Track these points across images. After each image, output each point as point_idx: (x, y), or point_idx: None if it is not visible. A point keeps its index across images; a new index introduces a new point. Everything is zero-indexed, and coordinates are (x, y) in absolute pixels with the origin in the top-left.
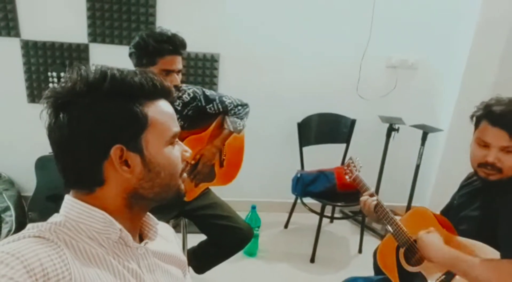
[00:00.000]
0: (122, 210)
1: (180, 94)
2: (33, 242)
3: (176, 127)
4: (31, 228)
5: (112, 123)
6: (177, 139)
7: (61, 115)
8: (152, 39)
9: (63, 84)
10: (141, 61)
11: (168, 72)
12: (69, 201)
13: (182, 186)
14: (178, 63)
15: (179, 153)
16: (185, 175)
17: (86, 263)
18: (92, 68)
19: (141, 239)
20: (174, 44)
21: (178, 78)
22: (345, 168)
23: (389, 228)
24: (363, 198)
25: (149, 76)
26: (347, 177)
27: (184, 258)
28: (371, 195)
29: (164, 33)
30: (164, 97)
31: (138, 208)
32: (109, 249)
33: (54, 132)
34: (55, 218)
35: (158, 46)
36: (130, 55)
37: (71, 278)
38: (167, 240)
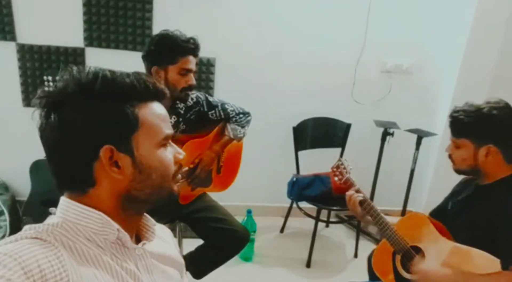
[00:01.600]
0: (117, 212)
1: (186, 98)
2: (31, 243)
3: (168, 130)
4: (28, 229)
5: (102, 124)
6: (170, 141)
7: (52, 116)
8: (177, 38)
9: (55, 85)
10: (161, 59)
11: (186, 71)
12: (65, 202)
13: (176, 188)
14: (195, 64)
15: (171, 155)
16: (180, 176)
17: (83, 264)
18: (82, 69)
19: (138, 240)
20: (194, 45)
21: (193, 78)
22: (335, 169)
23: (369, 218)
24: (349, 193)
25: (142, 77)
26: (336, 178)
27: (181, 260)
28: (357, 191)
29: (183, 34)
30: (157, 99)
31: (133, 211)
32: (106, 249)
33: (46, 133)
34: (52, 219)
35: (183, 45)
36: (147, 54)
37: (69, 279)
38: (165, 241)
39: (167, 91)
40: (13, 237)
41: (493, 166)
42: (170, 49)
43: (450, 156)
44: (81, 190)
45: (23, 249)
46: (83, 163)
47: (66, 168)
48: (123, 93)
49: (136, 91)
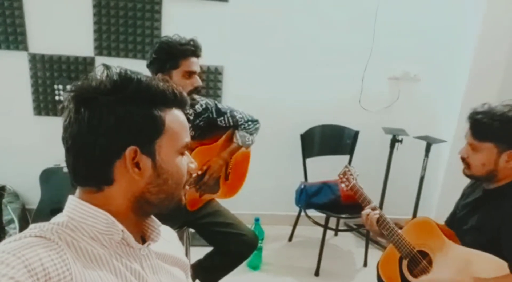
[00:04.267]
0: (126, 213)
1: (194, 104)
2: (34, 242)
3: (187, 138)
4: (33, 228)
5: (132, 125)
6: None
7: (82, 110)
8: (175, 43)
9: (86, 81)
10: (164, 66)
11: (190, 73)
12: (73, 201)
13: (183, 198)
14: (198, 65)
15: (186, 163)
16: (187, 187)
17: (87, 264)
18: (117, 70)
19: (144, 241)
20: (195, 46)
21: (199, 80)
22: (341, 176)
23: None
24: (365, 212)
25: (171, 84)
26: (343, 185)
27: (186, 260)
28: (373, 209)
29: (182, 38)
30: (180, 107)
31: (142, 213)
32: (111, 249)
33: (72, 126)
34: (58, 218)
35: (181, 48)
36: (151, 63)
37: (72, 278)
38: (170, 242)
39: (189, 100)
40: (17, 235)
41: (510, 170)
42: (170, 54)
43: (463, 159)
44: (96, 186)
45: (27, 248)
46: (106, 160)
47: (86, 163)
48: (155, 97)
49: (166, 97)
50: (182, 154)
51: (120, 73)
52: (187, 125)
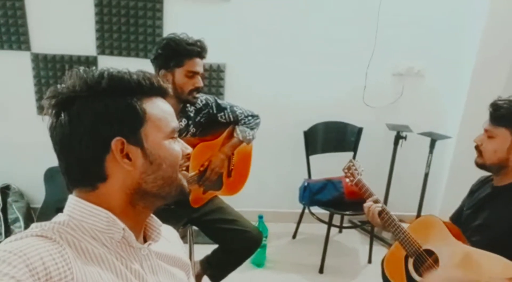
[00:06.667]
0: (126, 208)
1: (194, 100)
2: (35, 241)
3: (174, 123)
4: (34, 227)
5: (112, 117)
6: (177, 137)
7: (62, 114)
8: (183, 42)
9: (60, 86)
10: (168, 63)
11: (193, 74)
12: (73, 200)
13: (185, 182)
14: (202, 66)
15: (179, 147)
16: (188, 174)
17: (88, 263)
18: (87, 69)
19: (145, 241)
20: (201, 48)
21: (201, 80)
22: (346, 170)
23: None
24: (367, 204)
25: (147, 75)
26: (347, 180)
27: (188, 261)
28: (376, 201)
29: (190, 37)
30: (161, 96)
31: (142, 206)
32: (112, 249)
33: (56, 132)
34: (59, 217)
35: (188, 48)
36: (155, 58)
37: (73, 278)
38: (171, 242)
39: (170, 89)
40: (19, 235)
41: None
42: (176, 53)
43: (477, 147)
44: (91, 185)
45: (28, 247)
46: (95, 157)
47: (77, 165)
48: (130, 88)
49: (142, 87)
50: (172, 138)
51: (92, 71)
52: (171, 112)
